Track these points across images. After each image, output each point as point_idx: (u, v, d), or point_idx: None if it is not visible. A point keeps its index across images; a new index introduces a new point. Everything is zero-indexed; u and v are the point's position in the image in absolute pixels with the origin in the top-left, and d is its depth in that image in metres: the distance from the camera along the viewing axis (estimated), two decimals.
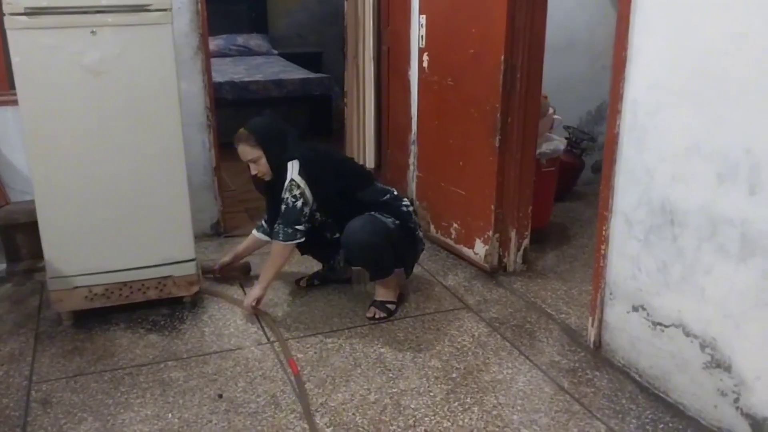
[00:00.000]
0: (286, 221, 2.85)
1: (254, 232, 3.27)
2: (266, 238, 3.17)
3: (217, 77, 5.91)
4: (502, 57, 3.10)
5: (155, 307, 3.04)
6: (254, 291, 2.95)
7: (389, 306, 3.02)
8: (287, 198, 2.84)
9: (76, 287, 2.85)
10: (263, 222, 3.22)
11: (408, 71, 3.94)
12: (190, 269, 3.01)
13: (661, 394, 2.42)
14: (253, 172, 2.96)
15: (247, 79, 6.09)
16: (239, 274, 3.37)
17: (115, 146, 2.78)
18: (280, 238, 2.86)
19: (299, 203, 2.83)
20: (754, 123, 1.98)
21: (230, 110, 5.81)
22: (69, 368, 2.61)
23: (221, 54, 7.17)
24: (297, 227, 2.86)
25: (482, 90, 3.26)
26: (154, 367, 2.62)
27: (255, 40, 7.57)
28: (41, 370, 2.60)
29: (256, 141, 2.89)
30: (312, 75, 6.42)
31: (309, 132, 6.21)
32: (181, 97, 2.87)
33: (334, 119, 6.33)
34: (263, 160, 2.90)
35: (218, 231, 4.00)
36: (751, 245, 2.03)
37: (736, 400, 2.15)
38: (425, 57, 3.66)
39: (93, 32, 2.62)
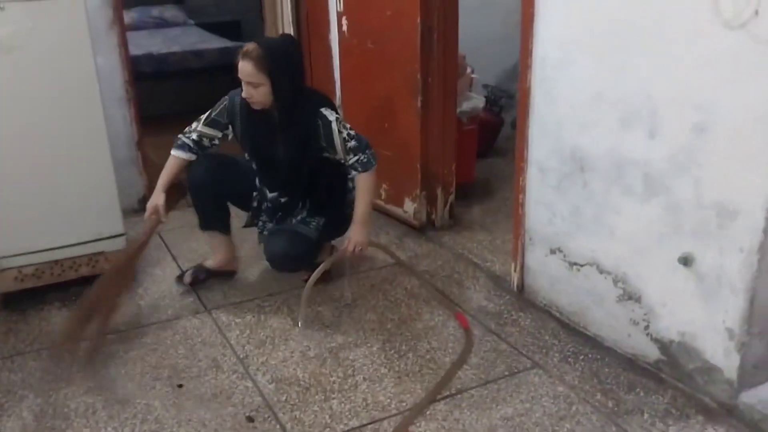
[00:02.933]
0: (364, 146, 2.72)
1: (177, 153, 2.84)
2: (193, 156, 2.84)
3: (134, 50, 5.74)
4: (419, 19, 3.18)
5: (89, 284, 2.99)
6: (360, 235, 2.73)
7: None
8: (347, 133, 2.70)
9: (5, 269, 2.81)
10: (186, 139, 2.83)
11: (328, 36, 3.97)
12: (120, 244, 3.01)
13: (581, 329, 2.61)
14: (245, 95, 2.62)
15: (164, 51, 5.97)
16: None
17: (33, 123, 2.73)
18: (374, 163, 2.73)
19: (358, 134, 2.74)
20: (652, 70, 2.14)
21: (149, 83, 5.69)
22: (4, 349, 2.59)
23: (136, 27, 6.95)
24: (372, 150, 2.75)
25: (402, 52, 3.34)
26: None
27: (170, 11, 7.37)
28: None
29: (266, 67, 2.55)
30: (231, 44, 6.32)
31: None
32: (98, 72, 2.83)
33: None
34: (264, 89, 2.59)
35: (146, 206, 3.95)
36: (653, 184, 2.21)
37: (647, 328, 2.35)
38: (344, 21, 3.69)
39: (2, 8, 2.56)
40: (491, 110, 4.65)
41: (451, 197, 3.60)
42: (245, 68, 2.56)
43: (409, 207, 3.57)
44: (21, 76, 2.66)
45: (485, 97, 4.40)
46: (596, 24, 2.31)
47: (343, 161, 2.74)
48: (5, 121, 2.69)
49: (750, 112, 1.88)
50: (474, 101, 3.92)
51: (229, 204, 3.05)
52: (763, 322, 2.05)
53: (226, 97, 2.81)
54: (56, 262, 2.90)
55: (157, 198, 2.80)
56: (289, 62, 2.65)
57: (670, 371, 2.30)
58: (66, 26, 2.70)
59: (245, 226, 3.10)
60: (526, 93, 2.63)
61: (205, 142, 2.84)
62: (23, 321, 2.78)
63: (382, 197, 3.75)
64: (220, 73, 6.24)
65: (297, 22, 4.25)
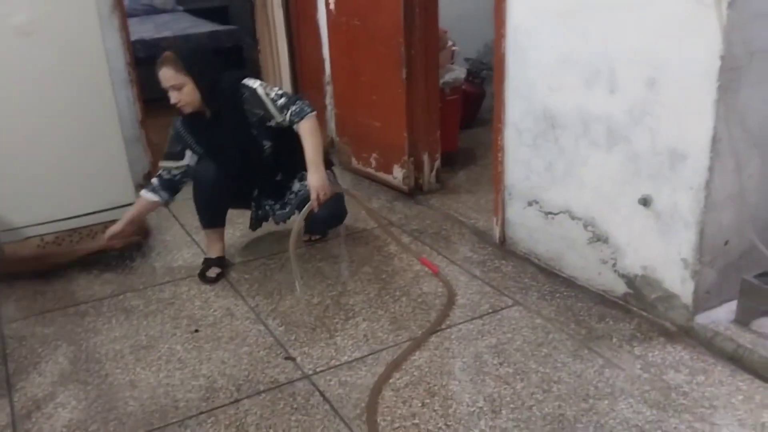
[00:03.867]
0: (293, 99, 2.77)
1: (144, 193, 2.99)
2: (157, 198, 2.98)
3: None
4: None
5: (104, 251, 3.26)
6: (317, 179, 2.72)
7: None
8: (274, 93, 2.77)
9: (28, 237, 3.07)
10: (154, 179, 3.00)
11: (316, 14, 4.20)
12: None
13: (557, 272, 2.89)
14: (173, 100, 2.75)
15: (156, 36, 6.18)
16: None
17: (51, 102, 2.98)
18: (308, 110, 2.76)
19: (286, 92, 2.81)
20: (610, 33, 2.40)
21: (143, 68, 5.88)
22: (34, 308, 2.84)
23: (127, 14, 7.12)
24: (304, 99, 2.80)
25: (386, 27, 3.58)
26: (114, 299, 2.89)
27: None
28: (8, 312, 2.83)
29: (183, 66, 2.69)
30: (220, 27, 6.55)
31: None
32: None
33: (246, 69, 6.49)
34: (188, 88, 2.72)
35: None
36: (614, 136, 2.48)
37: (614, 265, 2.63)
38: None
39: None
40: (473, 82, 4.90)
41: (437, 163, 3.87)
42: (166, 73, 2.71)
43: (398, 173, 3.83)
44: (39, 59, 2.91)
45: (468, 69, 4.65)
46: None
47: (283, 122, 2.78)
48: (27, 101, 2.93)
49: (694, 66, 2.15)
50: (456, 73, 4.17)
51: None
52: (713, 251, 2.34)
53: (171, 128, 2.95)
54: (74, 230, 3.16)
55: (117, 226, 2.99)
56: (203, 58, 2.85)
57: (636, 302, 2.58)
58: (77, 12, 2.94)
59: (253, 228, 3.21)
60: (501, 59, 2.89)
61: (165, 174, 2.97)
62: (48, 284, 3.03)
63: (373, 165, 4.01)
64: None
65: (286, 3, 4.48)
